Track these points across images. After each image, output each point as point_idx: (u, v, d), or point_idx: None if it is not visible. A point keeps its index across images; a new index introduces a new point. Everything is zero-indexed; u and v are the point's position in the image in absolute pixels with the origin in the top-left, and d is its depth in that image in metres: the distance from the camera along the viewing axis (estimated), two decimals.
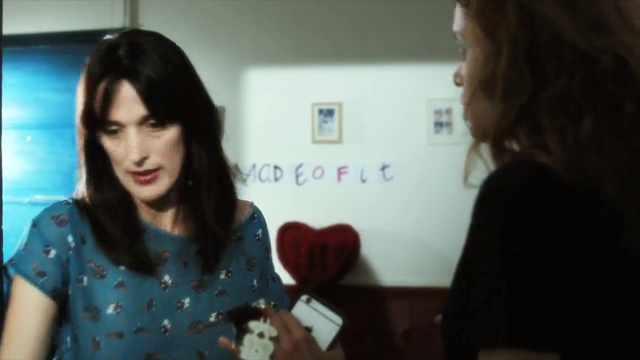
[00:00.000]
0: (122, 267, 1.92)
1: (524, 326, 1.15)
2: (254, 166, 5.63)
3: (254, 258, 2.14)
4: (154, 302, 1.92)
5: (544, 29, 1.33)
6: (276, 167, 5.59)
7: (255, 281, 2.11)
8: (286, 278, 5.13)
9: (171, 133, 1.88)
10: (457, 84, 1.52)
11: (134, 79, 1.83)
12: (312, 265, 5.28)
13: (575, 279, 1.17)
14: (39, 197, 5.97)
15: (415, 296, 5.31)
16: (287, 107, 5.51)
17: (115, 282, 1.91)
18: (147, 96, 1.82)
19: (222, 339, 1.71)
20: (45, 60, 5.99)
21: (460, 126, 5.59)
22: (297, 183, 5.50)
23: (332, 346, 1.57)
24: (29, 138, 6.00)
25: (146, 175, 1.87)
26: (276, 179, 5.61)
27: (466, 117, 1.42)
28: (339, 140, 5.38)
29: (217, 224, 1.98)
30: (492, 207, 1.30)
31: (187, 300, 1.96)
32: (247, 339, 1.59)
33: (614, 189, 1.22)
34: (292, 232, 5.35)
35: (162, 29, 6.11)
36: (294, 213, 5.45)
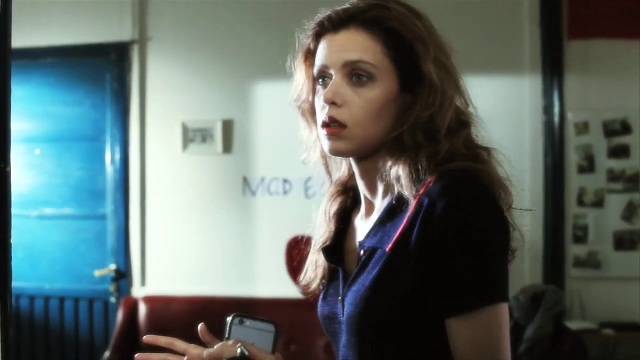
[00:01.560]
0: None
1: (503, 287, 1.61)
2: (263, 180, 5.63)
3: None
4: None
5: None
6: (285, 181, 5.59)
7: None
8: (295, 292, 5.12)
9: None
10: None
11: None
12: None
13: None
14: (48, 211, 5.98)
15: None
16: (296, 121, 5.51)
17: None
18: None
19: None
20: (54, 74, 6.01)
21: None
22: (307, 196, 5.50)
23: (274, 349, 1.67)
24: (37, 152, 6.00)
25: None
26: (285, 193, 5.61)
27: None
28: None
29: None
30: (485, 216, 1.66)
31: None
32: None
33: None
34: (301, 245, 5.33)
35: (171, 43, 6.19)
36: (303, 226, 5.44)
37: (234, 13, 5.53)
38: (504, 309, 1.58)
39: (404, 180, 1.62)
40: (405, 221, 1.60)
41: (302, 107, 1.82)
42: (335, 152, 1.69)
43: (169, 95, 5.82)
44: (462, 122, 1.78)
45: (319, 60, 1.71)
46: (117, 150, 5.87)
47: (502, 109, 5.39)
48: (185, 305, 5.49)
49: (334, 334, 1.77)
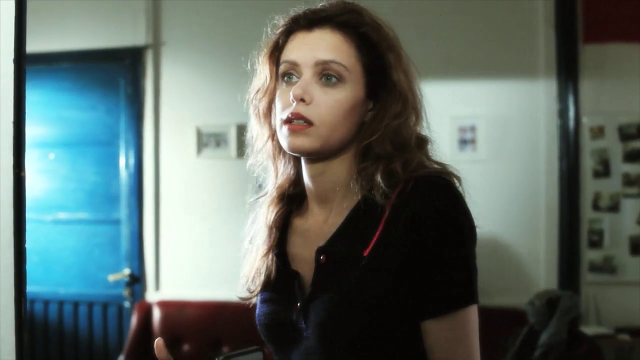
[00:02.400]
0: None
1: (476, 289, 1.62)
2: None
3: None
4: None
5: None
6: None
7: None
8: None
9: None
10: None
11: None
12: None
13: None
14: (62, 215, 5.99)
15: None
16: None
17: None
18: None
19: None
20: (68, 79, 6.02)
21: (485, 144, 5.57)
22: None
23: None
24: (51, 156, 6.02)
25: None
26: None
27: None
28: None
29: None
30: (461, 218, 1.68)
31: None
32: None
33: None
34: None
35: (185, 47, 6.19)
36: None
37: (247, 17, 5.52)
38: (475, 309, 1.64)
39: (379, 187, 1.64)
40: (381, 225, 1.63)
41: (259, 103, 1.80)
42: (297, 149, 1.68)
43: (182, 100, 5.82)
44: (423, 136, 1.82)
45: (288, 56, 1.71)
46: (131, 154, 5.87)
47: (516, 112, 5.38)
48: (199, 309, 5.49)
49: (285, 341, 1.75)
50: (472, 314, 1.62)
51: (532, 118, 5.38)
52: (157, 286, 5.86)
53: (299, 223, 1.83)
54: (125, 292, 5.80)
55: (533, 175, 5.37)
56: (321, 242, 1.71)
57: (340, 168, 1.73)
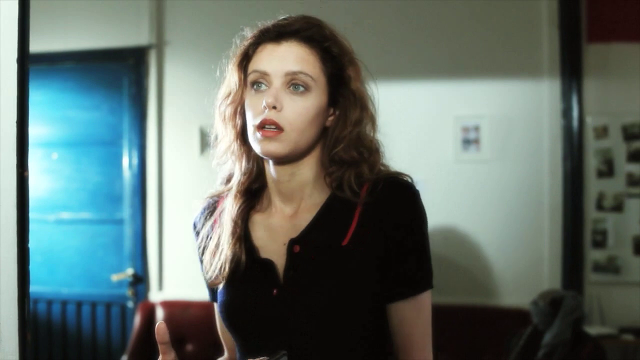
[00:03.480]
0: None
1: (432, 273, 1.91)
2: None
3: None
4: None
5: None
6: None
7: None
8: None
9: None
10: None
11: None
12: None
13: None
14: (65, 215, 5.99)
15: (441, 314, 5.27)
16: None
17: None
18: None
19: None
20: (72, 78, 6.03)
21: (489, 143, 5.57)
22: None
23: None
24: (55, 156, 6.02)
25: None
26: None
27: None
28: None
29: None
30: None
31: None
32: None
33: None
34: None
35: (188, 47, 6.19)
36: None
37: (251, 16, 5.51)
38: (430, 292, 1.91)
39: (352, 186, 1.86)
40: (355, 219, 1.85)
41: (227, 107, 1.96)
42: (269, 154, 1.83)
43: (186, 100, 5.82)
44: (378, 140, 1.99)
45: (258, 66, 1.87)
46: (135, 154, 5.88)
47: (520, 112, 5.37)
48: (202, 309, 5.49)
49: (257, 325, 1.88)
50: (429, 296, 1.91)
51: (535, 118, 5.37)
52: (160, 286, 5.86)
53: (260, 218, 1.97)
54: (129, 292, 5.80)
55: (537, 175, 5.37)
56: (292, 235, 1.88)
57: (306, 169, 1.91)
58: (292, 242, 1.87)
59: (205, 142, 5.73)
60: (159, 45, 5.87)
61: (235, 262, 1.90)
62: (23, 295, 1.81)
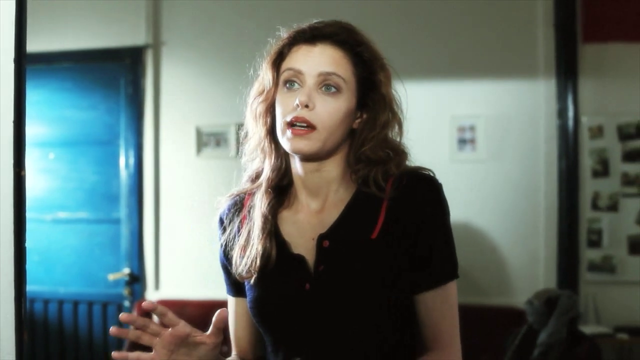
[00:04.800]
0: None
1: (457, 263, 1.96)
2: None
3: None
4: None
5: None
6: None
7: None
8: None
9: None
10: None
11: None
12: None
13: None
14: (62, 215, 6.00)
15: None
16: None
17: None
18: None
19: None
20: (69, 78, 6.03)
21: (484, 143, 5.58)
22: None
23: None
24: (51, 155, 6.02)
25: None
26: None
27: None
28: None
29: None
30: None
31: None
32: None
33: None
34: None
35: (185, 47, 6.19)
36: None
37: (248, 16, 5.52)
38: (455, 282, 1.97)
39: (379, 182, 1.91)
40: (382, 213, 1.90)
41: (259, 105, 1.99)
42: (299, 151, 1.88)
43: (182, 99, 5.83)
44: (404, 144, 2.07)
45: (294, 64, 1.91)
46: (131, 154, 5.88)
47: (516, 112, 5.39)
48: (198, 309, 5.49)
49: (290, 319, 1.92)
50: (455, 286, 1.96)
51: (531, 118, 5.38)
52: (156, 285, 5.87)
53: (287, 214, 2.01)
54: (125, 292, 5.81)
55: (532, 174, 5.38)
56: (320, 230, 1.92)
57: (333, 166, 1.95)
58: (321, 237, 1.91)
59: (201, 141, 5.74)
60: (156, 45, 5.88)
61: (266, 257, 1.93)
62: (20, 294, 1.82)
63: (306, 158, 1.92)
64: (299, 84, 1.89)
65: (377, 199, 1.91)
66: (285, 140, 1.88)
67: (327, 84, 1.88)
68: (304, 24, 1.96)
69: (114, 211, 5.96)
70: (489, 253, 5.41)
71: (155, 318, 1.92)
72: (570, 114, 5.29)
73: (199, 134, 5.73)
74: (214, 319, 1.82)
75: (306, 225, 1.97)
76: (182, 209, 5.81)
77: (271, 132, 1.97)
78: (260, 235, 1.95)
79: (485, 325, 5.19)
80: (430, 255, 1.90)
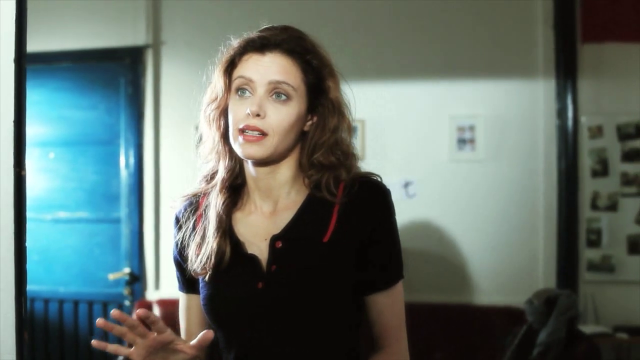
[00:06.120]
0: None
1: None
2: None
3: None
4: None
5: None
6: None
7: None
8: None
9: None
10: None
11: None
12: None
13: None
14: (62, 214, 6.00)
15: (436, 313, 5.28)
16: None
17: None
18: None
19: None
20: (69, 78, 6.03)
21: (484, 143, 5.57)
22: None
23: None
24: (51, 155, 6.02)
25: None
26: None
27: None
28: (362, 157, 5.35)
29: None
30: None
31: None
32: None
33: None
34: None
35: (185, 47, 6.18)
36: None
37: (247, 16, 5.52)
38: (402, 282, 2.07)
39: (330, 188, 2.00)
40: (334, 217, 1.99)
41: (213, 111, 2.10)
42: (250, 156, 1.97)
43: (182, 99, 5.81)
44: (354, 146, 2.14)
45: (244, 73, 1.99)
46: (131, 154, 5.89)
47: (515, 112, 5.39)
48: None
49: (242, 316, 1.98)
50: (401, 285, 2.06)
51: (530, 118, 5.39)
52: (157, 285, 5.87)
53: (240, 215, 2.09)
54: (125, 291, 5.81)
55: (531, 174, 5.38)
56: (273, 231, 2.01)
57: (285, 169, 2.04)
58: (275, 238, 1.99)
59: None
60: (156, 45, 5.88)
61: (220, 255, 2.00)
62: (20, 293, 1.83)
63: (258, 163, 2.01)
64: (250, 92, 1.98)
65: (329, 203, 2.00)
66: (238, 145, 1.97)
67: (277, 92, 1.96)
68: (253, 33, 2.04)
69: (114, 211, 5.96)
70: (488, 252, 5.41)
71: (156, 313, 1.91)
72: (570, 113, 5.29)
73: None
74: (200, 335, 1.86)
75: (259, 226, 2.05)
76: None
77: (224, 136, 2.07)
78: (215, 234, 2.02)
79: (485, 325, 5.19)
80: (380, 258, 2.01)
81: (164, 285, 5.86)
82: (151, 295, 5.82)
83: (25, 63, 1.85)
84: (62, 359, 6.04)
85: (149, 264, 5.87)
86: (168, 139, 5.88)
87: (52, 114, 5.99)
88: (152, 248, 5.86)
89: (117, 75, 5.95)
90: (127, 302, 5.83)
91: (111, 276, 5.79)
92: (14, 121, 1.82)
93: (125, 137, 5.91)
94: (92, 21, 5.96)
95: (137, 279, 5.84)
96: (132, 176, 5.90)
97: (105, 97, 5.97)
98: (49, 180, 6.03)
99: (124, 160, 5.91)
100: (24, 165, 1.86)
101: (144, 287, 5.88)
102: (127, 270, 5.84)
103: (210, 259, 1.99)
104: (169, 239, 5.99)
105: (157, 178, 5.88)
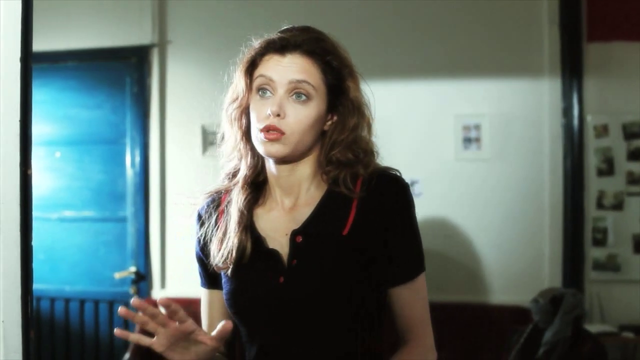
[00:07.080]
0: None
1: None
2: None
3: None
4: None
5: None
6: None
7: None
8: None
9: None
10: None
11: None
12: None
13: None
14: (68, 213, 6.01)
15: (441, 311, 5.29)
16: None
17: None
18: None
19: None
20: (74, 77, 6.04)
21: (489, 142, 5.56)
22: None
23: None
24: (57, 154, 6.04)
25: None
26: None
27: None
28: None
29: None
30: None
31: None
32: None
33: None
34: None
35: (191, 46, 6.19)
36: None
37: (253, 15, 5.53)
38: (424, 274, 2.09)
39: (347, 184, 2.03)
40: (352, 211, 2.01)
41: (234, 111, 2.12)
42: (271, 154, 2.00)
43: (188, 98, 5.83)
44: (374, 144, 2.16)
45: (265, 73, 2.02)
46: (137, 153, 5.89)
47: (521, 111, 5.38)
48: None
49: (263, 311, 2.01)
50: (424, 276, 2.08)
51: (536, 117, 5.38)
52: (163, 284, 5.88)
53: (261, 211, 2.12)
54: (131, 290, 5.82)
55: (537, 173, 5.37)
56: (293, 226, 2.03)
57: (305, 167, 2.08)
58: (295, 233, 2.01)
59: (207, 140, 5.75)
60: (162, 44, 5.88)
61: (241, 250, 2.03)
62: (26, 292, 1.83)
63: (279, 161, 2.04)
64: (270, 92, 2.00)
65: (348, 198, 2.02)
66: (259, 144, 2.00)
67: (297, 92, 1.98)
68: (274, 34, 2.07)
69: (120, 210, 5.97)
70: (494, 251, 5.41)
71: (162, 312, 1.93)
72: (575, 112, 5.29)
73: (205, 132, 5.73)
74: (219, 326, 1.87)
75: (280, 222, 2.07)
76: (189, 207, 5.80)
77: (246, 135, 2.09)
78: (237, 229, 2.05)
79: (491, 324, 5.19)
80: (401, 251, 2.03)
81: (170, 283, 5.87)
82: (157, 294, 5.82)
83: (31, 62, 1.85)
84: (68, 357, 6.05)
85: (154, 263, 5.88)
86: (174, 137, 5.88)
87: (58, 113, 6.00)
88: (158, 247, 5.87)
89: (123, 74, 5.95)
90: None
91: (117, 275, 5.80)
92: (20, 120, 1.82)
93: (131, 136, 5.92)
94: (98, 20, 5.97)
95: (143, 278, 5.84)
96: (137, 175, 5.90)
97: (111, 96, 5.98)
98: (55, 179, 6.04)
99: (130, 159, 5.92)
100: (30, 164, 1.86)
101: (149, 286, 5.89)
102: (133, 269, 5.85)
103: (232, 254, 2.03)
104: (175, 237, 5.94)
105: (162, 177, 5.89)
